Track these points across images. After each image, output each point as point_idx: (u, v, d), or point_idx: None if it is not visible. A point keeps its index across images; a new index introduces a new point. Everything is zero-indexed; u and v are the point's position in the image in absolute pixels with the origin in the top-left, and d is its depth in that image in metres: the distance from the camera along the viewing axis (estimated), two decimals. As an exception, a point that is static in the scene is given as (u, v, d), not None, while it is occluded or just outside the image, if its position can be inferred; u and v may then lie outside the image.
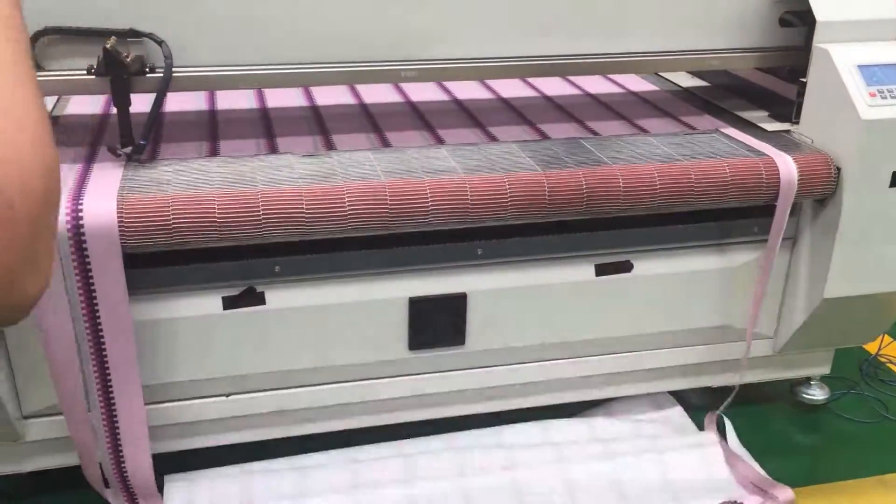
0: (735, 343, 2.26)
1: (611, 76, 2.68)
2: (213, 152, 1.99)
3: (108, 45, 1.75)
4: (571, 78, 2.66)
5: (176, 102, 2.29)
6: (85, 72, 1.80)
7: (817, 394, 2.47)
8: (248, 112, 2.32)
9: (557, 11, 2.03)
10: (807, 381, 2.48)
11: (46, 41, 1.79)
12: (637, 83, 2.65)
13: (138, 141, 1.85)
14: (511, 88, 2.59)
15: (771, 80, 2.32)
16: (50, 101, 2.28)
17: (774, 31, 2.17)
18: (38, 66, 1.78)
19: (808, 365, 2.43)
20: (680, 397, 2.41)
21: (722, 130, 2.20)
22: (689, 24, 2.12)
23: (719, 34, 2.15)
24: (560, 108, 2.40)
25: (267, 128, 2.18)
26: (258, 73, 1.92)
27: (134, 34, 1.81)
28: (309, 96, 2.45)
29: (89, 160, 1.90)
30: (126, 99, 1.81)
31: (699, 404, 2.39)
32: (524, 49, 2.04)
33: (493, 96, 2.53)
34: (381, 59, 1.97)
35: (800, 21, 2.12)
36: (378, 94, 2.48)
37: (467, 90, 2.56)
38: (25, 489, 2.09)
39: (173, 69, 1.81)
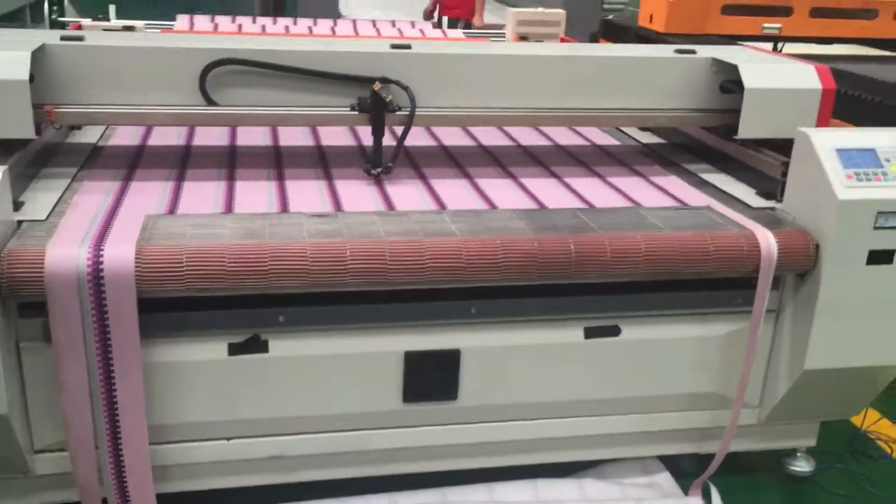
0: (722, 411, 2.33)
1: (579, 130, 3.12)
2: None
3: (375, 88, 2.31)
4: (547, 131, 3.09)
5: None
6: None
7: (804, 466, 2.53)
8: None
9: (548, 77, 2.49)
10: (793, 452, 2.54)
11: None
12: (607, 139, 3.03)
13: (386, 164, 2.36)
14: (492, 138, 2.96)
15: (760, 159, 2.45)
16: (97, 133, 2.72)
17: (717, 97, 2.57)
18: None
19: (794, 437, 2.49)
20: (669, 464, 2.46)
21: (710, 206, 2.32)
22: (646, 88, 2.56)
23: (671, 97, 2.58)
24: (570, 156, 2.77)
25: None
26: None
27: (385, 81, 2.31)
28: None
29: (122, 191, 2.19)
30: (382, 130, 2.37)
31: (688, 471, 2.45)
32: (515, 103, 2.49)
33: (474, 143, 2.88)
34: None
35: (737, 88, 2.46)
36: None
37: (455, 138, 2.94)
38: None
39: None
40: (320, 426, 2.12)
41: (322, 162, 2.60)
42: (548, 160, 2.73)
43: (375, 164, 2.37)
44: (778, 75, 2.48)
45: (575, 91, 2.53)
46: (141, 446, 1.93)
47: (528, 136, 3.03)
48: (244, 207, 2.14)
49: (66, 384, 1.85)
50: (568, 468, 2.40)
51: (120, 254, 1.79)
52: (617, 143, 3.01)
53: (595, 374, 2.21)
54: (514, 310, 2.12)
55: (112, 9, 4.43)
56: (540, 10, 4.75)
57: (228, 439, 2.09)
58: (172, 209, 2.11)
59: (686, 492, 2.38)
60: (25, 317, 1.86)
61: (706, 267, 2.09)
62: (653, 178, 2.58)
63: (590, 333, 2.17)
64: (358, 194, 2.29)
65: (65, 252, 1.77)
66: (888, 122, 2.83)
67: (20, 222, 1.94)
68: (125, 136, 2.77)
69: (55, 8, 7.86)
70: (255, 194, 2.25)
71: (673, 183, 2.54)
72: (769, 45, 5.08)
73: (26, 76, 2.04)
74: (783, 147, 2.39)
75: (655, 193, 2.44)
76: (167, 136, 2.79)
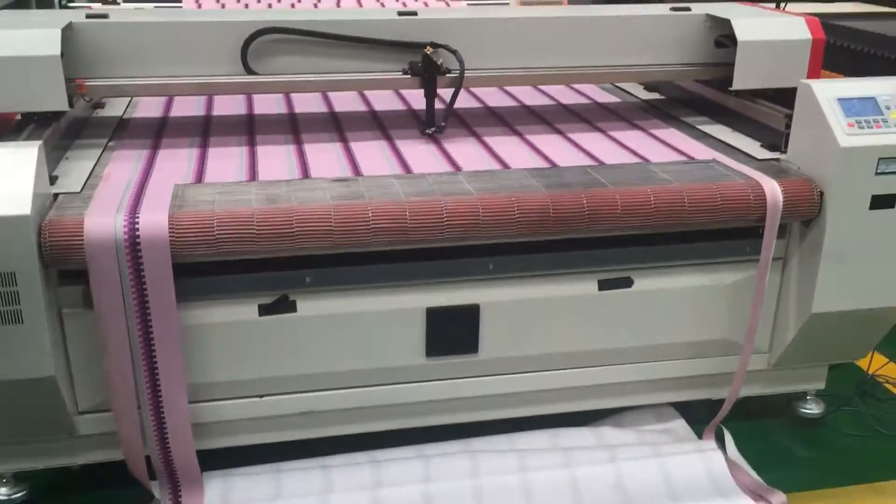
0: (732, 357, 2.41)
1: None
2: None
3: (427, 52, 2.44)
4: (548, 90, 3.21)
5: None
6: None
7: (814, 408, 2.61)
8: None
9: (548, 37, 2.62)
10: (803, 395, 2.62)
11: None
12: (606, 97, 3.14)
13: (438, 124, 2.51)
14: (498, 99, 3.07)
15: (763, 112, 2.52)
16: (122, 105, 2.86)
17: (711, 51, 2.70)
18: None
19: (803, 380, 2.58)
20: (683, 411, 2.55)
21: (717, 159, 2.39)
22: (644, 44, 2.70)
23: (669, 53, 2.72)
24: (574, 114, 2.91)
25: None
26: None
27: (434, 45, 2.44)
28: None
29: (150, 162, 2.31)
30: (434, 92, 2.50)
31: (703, 418, 2.53)
32: (525, 62, 2.63)
33: (481, 104, 3.03)
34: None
35: (731, 42, 2.59)
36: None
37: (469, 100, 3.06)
38: (73, 485, 2.29)
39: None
40: (347, 382, 2.22)
41: (337, 126, 2.73)
42: (553, 118, 2.85)
43: (429, 124, 2.53)
44: (769, 28, 2.61)
45: (589, 50, 2.67)
46: (181, 405, 2.03)
47: (531, 96, 3.14)
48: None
49: (109, 347, 1.94)
50: (585, 420, 2.49)
51: (154, 220, 1.87)
52: (618, 100, 3.12)
53: (609, 325, 2.30)
54: (530, 265, 2.20)
55: None
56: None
57: (261, 396, 2.19)
58: (199, 178, 2.19)
59: (700, 437, 2.47)
60: (67, 284, 1.95)
61: (714, 217, 2.17)
62: (659, 134, 2.66)
63: (603, 285, 2.26)
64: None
65: (102, 220, 1.86)
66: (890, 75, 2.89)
67: (56, 195, 2.03)
68: (149, 109, 2.89)
69: (69, -6, 7.92)
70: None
71: (679, 138, 2.62)
72: (772, 5, 5.11)
73: (58, 51, 2.16)
74: (776, 97, 2.57)
75: (663, 149, 2.51)
76: (189, 107, 2.91)
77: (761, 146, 2.49)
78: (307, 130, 2.66)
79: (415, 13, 2.58)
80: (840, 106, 2.19)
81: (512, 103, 3.06)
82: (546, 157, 2.41)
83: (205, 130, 2.65)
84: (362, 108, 2.97)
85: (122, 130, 2.64)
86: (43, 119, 2.29)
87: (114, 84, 2.40)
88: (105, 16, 2.39)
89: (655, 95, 3.16)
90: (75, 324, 1.99)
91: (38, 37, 2.17)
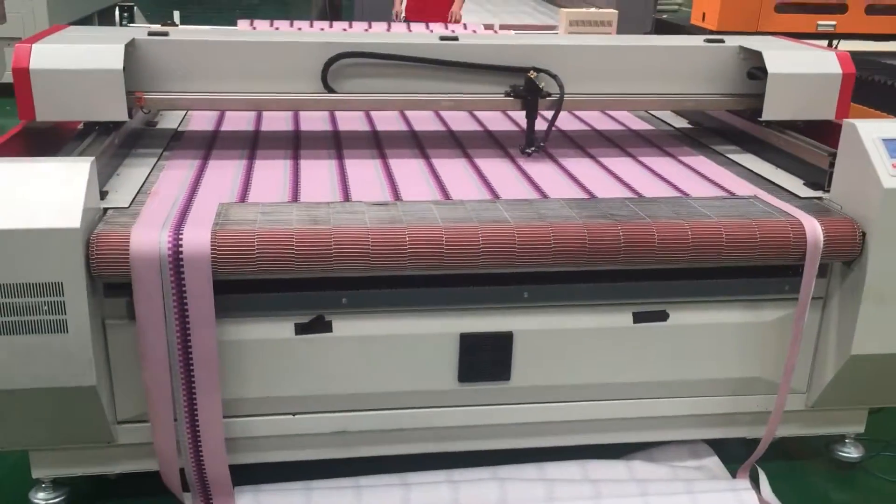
0: (769, 396, 2.38)
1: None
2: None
3: (531, 76, 2.60)
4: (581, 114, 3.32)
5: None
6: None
7: (852, 452, 2.56)
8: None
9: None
10: (842, 439, 2.58)
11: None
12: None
13: (538, 144, 2.69)
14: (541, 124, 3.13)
15: (807, 150, 2.50)
16: (176, 119, 3.04)
17: (744, 82, 2.79)
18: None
19: (842, 423, 2.53)
20: (718, 449, 2.52)
21: (758, 195, 2.38)
22: (680, 75, 2.79)
23: (702, 83, 2.81)
24: (608, 140, 2.99)
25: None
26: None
27: (535, 70, 2.61)
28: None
29: (197, 179, 2.41)
30: (535, 114, 2.66)
31: (738, 456, 2.50)
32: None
33: (517, 127, 3.11)
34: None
35: (763, 74, 2.66)
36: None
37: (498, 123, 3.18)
38: (110, 493, 2.34)
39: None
40: (380, 403, 2.24)
41: (378, 144, 2.86)
42: (589, 144, 2.94)
43: (528, 144, 2.71)
44: (800, 61, 2.68)
45: (637, 77, 2.77)
46: (216, 419, 2.07)
47: (568, 121, 3.21)
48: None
49: (148, 359, 2.00)
50: (618, 452, 2.48)
51: (197, 237, 1.93)
52: (654, 128, 3.18)
53: (643, 358, 2.29)
54: (565, 294, 2.21)
55: (176, 15, 4.67)
56: (592, 9, 4.83)
57: (294, 414, 2.22)
58: (244, 196, 2.25)
59: (734, 476, 2.44)
60: (111, 296, 2.01)
61: (752, 255, 2.15)
62: (700, 168, 2.66)
63: (638, 318, 2.25)
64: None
65: (147, 236, 1.92)
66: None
67: (106, 209, 2.10)
68: (201, 123, 3.06)
69: (125, 14, 8.20)
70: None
71: (721, 173, 2.61)
72: (824, 42, 5.07)
73: (121, 66, 2.31)
74: (806, 130, 2.67)
75: (704, 183, 2.51)
76: (241, 122, 3.10)
77: (804, 184, 2.48)
78: (349, 147, 2.80)
79: (456, 38, 2.71)
80: (885, 146, 2.17)
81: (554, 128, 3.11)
82: (585, 188, 2.43)
83: (253, 144, 2.79)
84: (404, 127, 3.10)
85: (174, 142, 2.78)
86: (104, 128, 2.43)
87: (170, 98, 2.56)
88: (165, 34, 2.56)
89: (685, 123, 3.22)
90: (118, 335, 2.04)
91: (102, 51, 2.32)
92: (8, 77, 5.41)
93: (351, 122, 3.14)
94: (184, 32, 2.66)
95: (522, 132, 2.96)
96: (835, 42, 5.14)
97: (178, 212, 2.09)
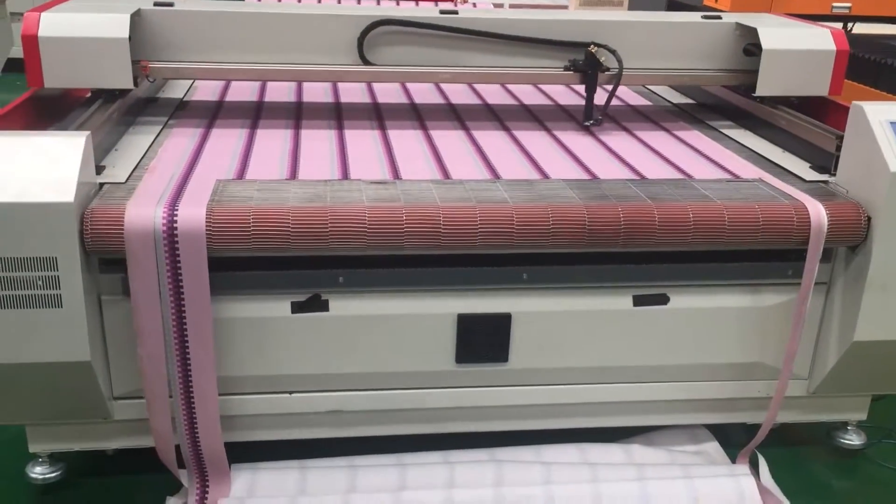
0: (771, 381, 2.36)
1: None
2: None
3: (592, 50, 2.66)
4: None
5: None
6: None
7: (854, 439, 2.54)
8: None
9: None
10: (843, 426, 2.55)
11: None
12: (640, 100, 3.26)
13: (596, 117, 2.77)
14: (532, 96, 3.25)
15: (813, 133, 2.46)
16: (182, 88, 3.11)
17: (740, 58, 2.81)
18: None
19: (844, 409, 2.50)
20: (719, 434, 2.50)
21: (763, 178, 2.35)
22: (678, 50, 2.81)
23: (700, 59, 2.83)
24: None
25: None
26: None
27: (595, 45, 2.66)
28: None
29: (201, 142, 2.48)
30: (594, 88, 2.72)
31: (738, 442, 2.48)
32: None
33: (516, 102, 3.20)
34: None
35: (758, 50, 2.68)
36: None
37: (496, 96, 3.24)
38: (107, 468, 2.35)
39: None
40: (377, 384, 2.23)
41: (379, 115, 2.93)
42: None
43: (587, 117, 2.78)
44: (794, 38, 2.71)
45: (640, 53, 2.78)
46: (211, 396, 2.07)
47: (565, 95, 3.31)
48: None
49: (143, 336, 1.99)
50: (616, 436, 2.46)
51: (192, 214, 1.91)
52: (650, 103, 3.23)
53: (643, 342, 2.27)
54: (564, 276, 2.19)
55: None
56: (603, -11, 4.77)
57: (290, 393, 2.21)
58: (244, 168, 2.24)
59: (734, 461, 2.42)
60: (106, 272, 2.00)
61: (755, 238, 2.12)
62: (705, 150, 2.63)
63: (638, 301, 2.23)
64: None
65: (142, 211, 1.91)
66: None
67: (102, 185, 2.08)
68: (206, 93, 3.13)
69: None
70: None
71: (727, 155, 2.58)
72: (839, 25, 5.00)
73: (126, 35, 2.39)
74: (800, 106, 2.72)
75: (708, 165, 2.48)
76: (245, 93, 3.16)
77: (810, 167, 2.44)
78: (349, 118, 2.86)
79: (456, 12, 2.72)
80: (892, 129, 2.13)
81: (544, 101, 3.23)
82: (587, 169, 2.40)
83: (256, 114, 2.85)
84: (403, 100, 3.18)
85: (180, 111, 2.85)
86: (109, 95, 2.50)
87: (174, 66, 2.62)
88: (171, 4, 2.60)
89: (684, 99, 3.25)
90: (114, 311, 2.04)
91: (109, 20, 2.40)
92: (16, 52, 5.41)
93: (377, 93, 3.23)
94: (188, 3, 2.68)
95: (522, 107, 3.08)
96: (850, 24, 5.07)
97: (174, 188, 2.07)
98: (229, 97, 3.09)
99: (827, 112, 2.69)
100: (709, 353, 2.31)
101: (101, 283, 2.01)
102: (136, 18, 2.50)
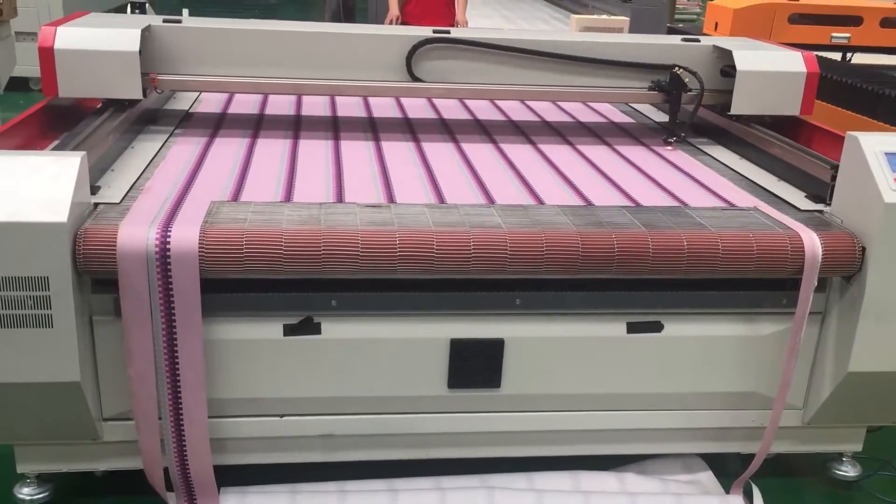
0: (765, 411, 2.34)
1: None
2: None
3: (677, 71, 2.87)
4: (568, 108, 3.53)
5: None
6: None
7: (849, 470, 2.52)
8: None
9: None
10: (839, 457, 2.53)
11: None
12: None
13: (680, 135, 2.97)
14: (519, 113, 3.39)
15: (809, 162, 2.47)
16: (189, 100, 3.27)
17: (718, 79, 2.98)
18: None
19: (839, 440, 2.49)
20: (713, 463, 2.48)
21: (758, 207, 2.35)
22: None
23: None
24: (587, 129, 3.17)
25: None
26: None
27: (681, 67, 2.89)
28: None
29: (201, 157, 2.54)
30: (678, 106, 2.92)
31: (733, 472, 2.46)
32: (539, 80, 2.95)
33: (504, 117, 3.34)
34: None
35: (734, 71, 2.85)
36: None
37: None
38: (96, 489, 2.33)
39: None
40: (368, 408, 2.22)
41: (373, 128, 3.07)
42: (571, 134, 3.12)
43: (670, 135, 2.98)
44: (768, 60, 2.89)
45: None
46: (200, 418, 2.06)
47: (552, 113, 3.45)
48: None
49: (133, 356, 1.98)
50: (610, 464, 2.44)
51: (185, 235, 1.91)
52: (634, 121, 3.38)
53: (636, 369, 2.26)
54: (558, 302, 2.18)
55: (185, 13, 4.72)
56: (604, 16, 4.80)
57: (281, 416, 2.20)
58: (239, 190, 2.24)
59: (728, 492, 2.40)
60: (98, 292, 2.00)
61: (749, 267, 2.12)
62: (701, 178, 2.63)
63: (632, 328, 2.22)
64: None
65: (135, 232, 1.90)
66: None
67: (96, 205, 2.09)
68: (210, 105, 3.26)
69: (136, 12, 8.33)
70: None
71: (722, 183, 2.58)
72: (838, 55, 5.03)
73: (137, 48, 2.54)
74: (774, 125, 2.88)
75: (704, 193, 2.48)
76: (247, 106, 3.27)
77: (805, 196, 2.44)
78: (345, 129, 3.01)
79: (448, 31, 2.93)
80: (887, 160, 2.13)
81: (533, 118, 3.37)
82: (582, 195, 2.40)
83: (257, 126, 2.98)
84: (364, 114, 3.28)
85: (185, 121, 2.99)
86: (119, 106, 2.63)
87: (180, 79, 2.78)
88: (178, 21, 2.78)
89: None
90: (105, 331, 2.03)
91: (120, 35, 2.56)
92: (20, 71, 5.45)
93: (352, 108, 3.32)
94: (195, 20, 2.86)
95: (510, 121, 3.27)
96: (849, 55, 5.09)
97: (168, 208, 2.07)
98: (231, 109, 3.21)
99: (797, 131, 2.87)
100: (703, 381, 2.30)
101: (93, 303, 2.01)
102: (146, 33, 2.65)
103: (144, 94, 2.64)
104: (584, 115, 3.42)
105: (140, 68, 2.56)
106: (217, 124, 2.96)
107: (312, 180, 2.41)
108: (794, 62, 2.87)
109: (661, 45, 3.01)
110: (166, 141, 2.69)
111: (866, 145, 2.16)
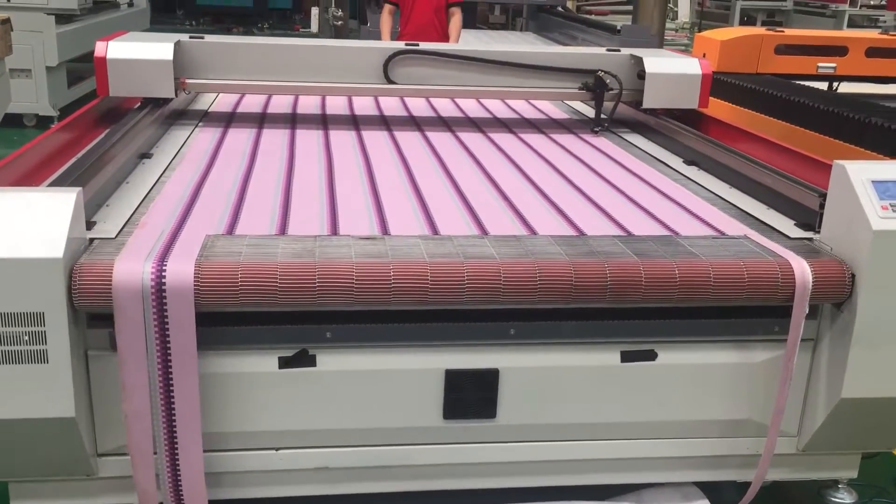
0: (760, 438, 2.35)
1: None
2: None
3: (600, 74, 3.59)
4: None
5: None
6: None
7: (845, 497, 2.53)
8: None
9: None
10: (834, 484, 2.54)
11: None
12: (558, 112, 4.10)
13: (604, 124, 3.65)
14: (475, 110, 4.04)
15: (797, 191, 2.50)
16: (209, 100, 3.99)
17: (634, 81, 3.65)
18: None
19: (834, 467, 2.49)
20: (710, 492, 2.48)
21: (748, 235, 2.37)
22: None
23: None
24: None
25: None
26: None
27: (604, 71, 3.61)
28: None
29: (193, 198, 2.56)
30: (601, 103, 3.63)
31: (729, 500, 2.46)
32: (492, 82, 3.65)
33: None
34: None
35: (645, 74, 3.54)
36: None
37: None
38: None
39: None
40: (364, 440, 2.22)
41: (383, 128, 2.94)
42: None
43: (596, 124, 3.66)
44: (671, 65, 3.61)
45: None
46: (196, 453, 2.05)
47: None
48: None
49: (129, 391, 1.98)
50: (606, 494, 2.44)
51: (180, 269, 1.92)
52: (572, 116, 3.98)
53: (631, 398, 2.26)
54: (552, 332, 2.20)
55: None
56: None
57: (276, 449, 2.20)
58: (234, 223, 2.26)
59: (725, 520, 2.40)
60: (94, 327, 2.00)
61: (740, 295, 2.14)
62: (691, 207, 2.65)
63: (626, 357, 2.23)
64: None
65: (130, 267, 1.92)
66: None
67: (92, 240, 2.10)
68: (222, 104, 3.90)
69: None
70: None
71: (712, 212, 2.60)
72: (824, 84, 5.09)
73: (171, 57, 3.25)
74: (681, 117, 3.53)
75: (694, 222, 2.50)
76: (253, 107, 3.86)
77: (795, 224, 2.47)
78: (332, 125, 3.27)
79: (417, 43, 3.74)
80: (874, 188, 2.16)
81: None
82: (574, 225, 2.43)
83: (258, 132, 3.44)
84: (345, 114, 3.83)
85: (205, 119, 3.59)
86: (156, 103, 3.30)
87: (203, 82, 3.49)
88: (202, 37, 3.51)
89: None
90: (101, 366, 2.03)
91: (157, 47, 3.28)
92: (14, 108, 5.47)
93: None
94: (214, 38, 3.61)
95: (468, 118, 3.89)
96: (835, 84, 5.16)
97: (163, 243, 2.09)
98: (240, 108, 3.84)
99: (697, 122, 3.48)
100: (697, 409, 2.31)
101: (89, 338, 2.01)
102: (178, 46, 3.34)
103: (175, 94, 3.32)
104: (528, 112, 4.05)
105: (173, 73, 3.21)
106: (228, 120, 3.61)
107: (307, 209, 2.43)
108: (692, 66, 3.58)
109: (589, 55, 3.75)
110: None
111: (853, 173, 2.19)
